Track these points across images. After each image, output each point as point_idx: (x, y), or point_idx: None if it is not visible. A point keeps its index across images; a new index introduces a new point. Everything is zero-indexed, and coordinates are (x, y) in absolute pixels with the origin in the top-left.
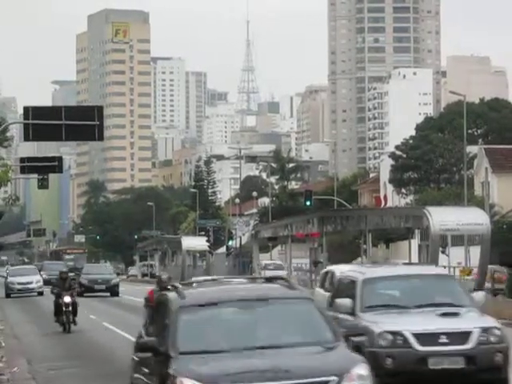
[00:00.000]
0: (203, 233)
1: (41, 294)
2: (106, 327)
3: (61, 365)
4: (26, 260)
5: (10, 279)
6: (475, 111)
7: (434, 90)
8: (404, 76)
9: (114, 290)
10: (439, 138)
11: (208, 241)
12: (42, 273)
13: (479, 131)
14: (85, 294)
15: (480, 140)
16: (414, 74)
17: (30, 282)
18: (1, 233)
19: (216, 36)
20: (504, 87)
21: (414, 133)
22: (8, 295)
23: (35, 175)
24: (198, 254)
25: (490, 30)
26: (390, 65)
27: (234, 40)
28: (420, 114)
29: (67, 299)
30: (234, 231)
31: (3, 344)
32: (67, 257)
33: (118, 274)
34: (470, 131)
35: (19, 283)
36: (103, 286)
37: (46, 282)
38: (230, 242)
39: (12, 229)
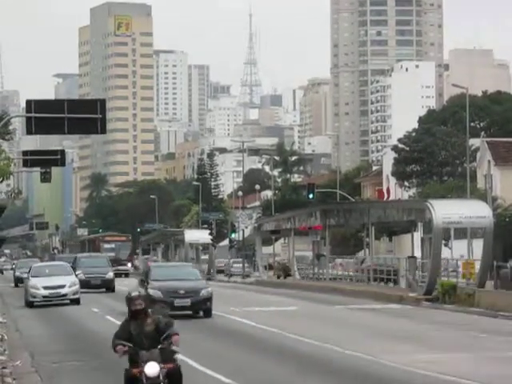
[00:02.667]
0: (206, 226)
1: (76, 302)
2: (109, 320)
3: (64, 358)
4: (29, 253)
5: (31, 281)
6: (478, 104)
7: (436, 83)
8: (406, 69)
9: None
10: (442, 131)
11: (211, 234)
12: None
13: (482, 124)
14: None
15: (482, 133)
16: (417, 67)
17: (62, 286)
18: (3, 226)
19: (219, 29)
20: (507, 80)
21: (416, 126)
22: (30, 304)
23: (38, 168)
24: (200, 247)
25: (492, 23)
26: (393, 58)
27: (237, 33)
28: (422, 107)
29: (153, 370)
30: (236, 224)
31: (6, 337)
32: (106, 246)
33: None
34: (472, 124)
35: (46, 287)
36: (99, 281)
37: (83, 285)
38: (233, 235)
39: (15, 222)
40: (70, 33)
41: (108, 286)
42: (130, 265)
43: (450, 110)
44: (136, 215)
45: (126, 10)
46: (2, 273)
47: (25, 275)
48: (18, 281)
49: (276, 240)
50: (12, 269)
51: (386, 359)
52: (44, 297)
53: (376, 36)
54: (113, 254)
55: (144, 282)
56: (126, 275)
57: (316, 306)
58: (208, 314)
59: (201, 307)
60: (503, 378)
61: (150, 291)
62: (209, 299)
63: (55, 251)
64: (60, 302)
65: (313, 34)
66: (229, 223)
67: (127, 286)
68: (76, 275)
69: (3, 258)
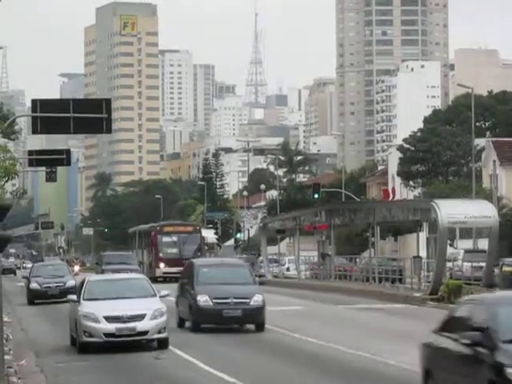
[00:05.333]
0: (211, 225)
1: (164, 344)
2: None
3: (69, 358)
4: (35, 253)
5: (85, 307)
6: (483, 104)
7: (441, 83)
8: (412, 69)
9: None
10: (447, 131)
11: (216, 233)
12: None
13: (487, 124)
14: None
15: (488, 133)
16: (422, 66)
17: (139, 317)
18: (9, 226)
19: (224, 29)
20: None
21: (421, 125)
22: (83, 346)
23: (43, 168)
24: (206, 247)
25: (498, 23)
26: (398, 58)
27: (242, 33)
28: (428, 106)
29: None
30: (242, 224)
31: (11, 337)
32: (166, 239)
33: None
34: (477, 124)
35: (111, 318)
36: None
37: None
38: (238, 235)
39: (20, 222)
40: (75, 32)
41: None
42: None
43: (456, 109)
44: (141, 215)
45: (131, 9)
46: (15, 273)
47: (47, 285)
48: (36, 295)
49: (281, 240)
50: (25, 277)
51: (390, 359)
52: (109, 335)
53: (381, 36)
54: (175, 251)
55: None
56: None
57: (320, 306)
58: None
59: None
60: None
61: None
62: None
63: (60, 251)
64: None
65: (318, 33)
66: (234, 223)
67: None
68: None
69: (12, 259)
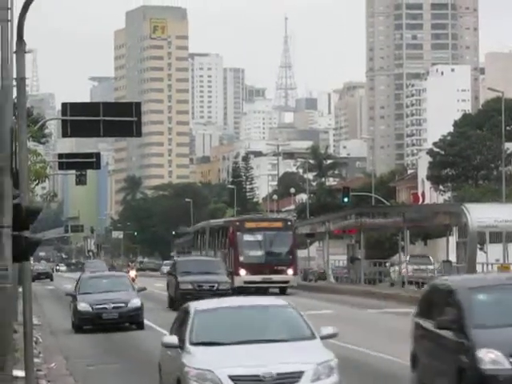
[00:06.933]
0: None
1: None
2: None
3: (99, 360)
4: (65, 256)
5: (203, 361)
6: None
7: (472, 87)
8: (442, 73)
9: None
10: (477, 135)
11: None
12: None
13: None
14: None
15: None
16: (452, 70)
17: None
18: (39, 229)
19: (254, 32)
20: None
21: (451, 129)
22: None
23: (73, 171)
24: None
25: None
26: (428, 61)
27: (272, 36)
28: (458, 110)
29: None
30: None
31: (40, 340)
32: (248, 238)
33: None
34: (508, 128)
35: None
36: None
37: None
38: None
39: (50, 225)
40: (105, 36)
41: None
42: (291, 272)
43: (486, 113)
44: (171, 218)
45: (161, 13)
46: (52, 278)
47: (102, 306)
48: (85, 320)
49: (311, 243)
50: (70, 294)
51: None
52: None
53: (411, 40)
54: (260, 254)
55: None
56: (283, 291)
57: (349, 310)
58: None
59: None
60: None
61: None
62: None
63: (90, 254)
64: None
65: (348, 37)
66: None
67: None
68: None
69: (42, 265)
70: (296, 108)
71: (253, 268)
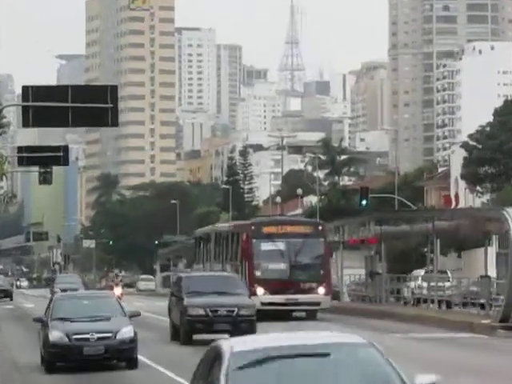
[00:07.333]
0: None
1: None
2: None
3: None
4: (25, 269)
5: None
6: None
7: None
8: (480, 51)
9: None
10: None
11: None
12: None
13: None
14: None
15: None
16: (492, 48)
17: None
18: None
19: (254, 3)
20: None
21: (491, 119)
22: None
23: (36, 168)
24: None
25: None
26: (463, 37)
27: (276, 8)
28: (499, 96)
29: None
30: None
31: None
32: (267, 246)
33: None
34: None
35: None
36: None
37: None
38: None
39: (8, 232)
40: (75, 7)
41: None
42: (322, 290)
43: None
44: (153, 224)
45: None
46: (11, 297)
47: (83, 336)
48: (58, 355)
49: None
50: (38, 319)
51: None
52: None
53: (443, 11)
54: (282, 268)
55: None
56: (312, 316)
57: (368, 335)
58: None
59: None
60: None
61: None
62: None
63: (56, 267)
64: None
65: (367, 9)
66: None
67: None
68: None
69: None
70: (304, 93)
71: (273, 286)
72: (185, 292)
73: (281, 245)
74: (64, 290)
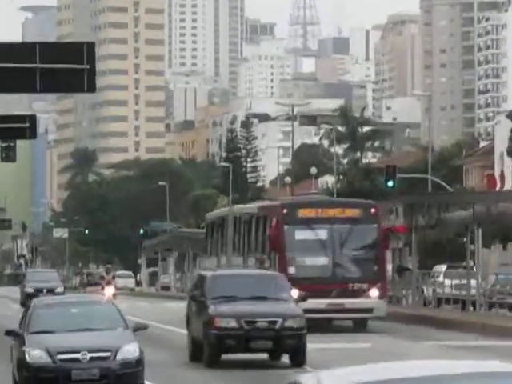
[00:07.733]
0: None
1: None
2: None
3: None
4: None
5: None
6: None
7: None
8: None
9: None
10: None
11: None
12: None
13: None
14: None
15: None
16: None
17: None
18: None
19: None
20: None
21: None
22: None
23: None
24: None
25: None
26: None
27: None
28: None
29: None
30: None
31: None
32: (301, 235)
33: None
34: None
35: None
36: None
37: None
38: None
39: None
40: None
41: None
42: (375, 293)
43: None
44: (138, 210)
45: None
46: None
47: (72, 356)
48: (37, 382)
49: None
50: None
51: None
52: None
53: None
54: (323, 262)
55: None
56: (362, 325)
57: (396, 343)
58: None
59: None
60: None
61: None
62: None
63: (21, 261)
64: None
65: None
66: None
67: None
68: None
69: None
70: (319, 52)
71: (311, 286)
72: (210, 297)
73: (321, 233)
74: (39, 290)
